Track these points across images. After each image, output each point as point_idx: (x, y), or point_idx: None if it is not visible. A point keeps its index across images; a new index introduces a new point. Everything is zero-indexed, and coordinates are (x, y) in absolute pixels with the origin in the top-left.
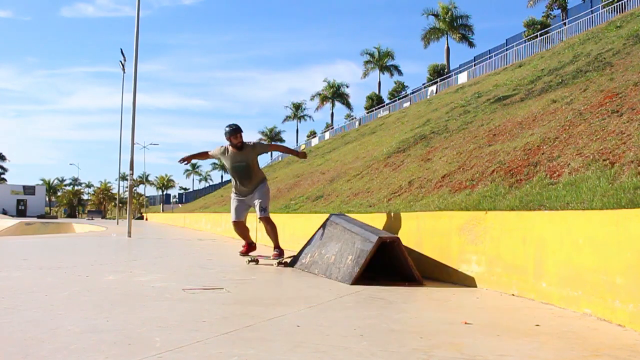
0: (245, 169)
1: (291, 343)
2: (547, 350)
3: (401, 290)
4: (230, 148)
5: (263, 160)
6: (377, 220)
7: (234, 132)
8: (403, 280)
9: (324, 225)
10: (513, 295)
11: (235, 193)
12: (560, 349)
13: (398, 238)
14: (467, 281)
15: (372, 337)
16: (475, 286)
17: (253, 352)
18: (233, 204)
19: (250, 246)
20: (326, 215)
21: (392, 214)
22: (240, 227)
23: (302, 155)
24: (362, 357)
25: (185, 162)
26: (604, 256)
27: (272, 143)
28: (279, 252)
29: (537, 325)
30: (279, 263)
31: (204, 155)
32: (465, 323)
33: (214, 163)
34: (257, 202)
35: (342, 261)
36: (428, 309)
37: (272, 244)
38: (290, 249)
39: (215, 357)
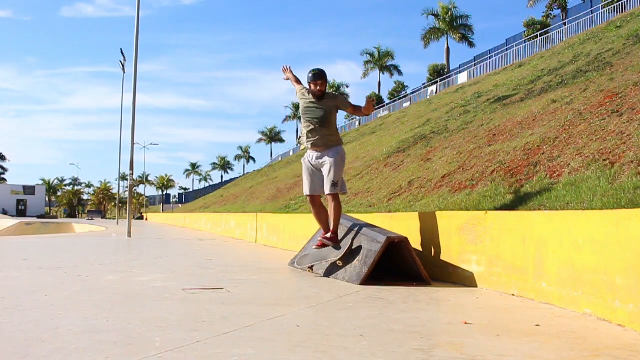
0: (320, 117)
1: (291, 343)
2: (547, 350)
3: (401, 290)
4: (309, 92)
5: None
6: (377, 220)
7: (315, 77)
8: (409, 280)
9: None
10: (513, 295)
11: (307, 146)
12: (560, 349)
13: (406, 238)
14: (467, 281)
15: (372, 337)
16: (476, 286)
17: (253, 352)
18: (306, 172)
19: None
20: None
21: (392, 214)
22: (317, 206)
23: (365, 110)
24: (362, 357)
25: (286, 75)
26: (604, 256)
27: (351, 104)
28: (331, 238)
29: (537, 325)
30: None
31: (297, 82)
32: (465, 323)
33: (214, 163)
34: (326, 174)
35: (347, 261)
36: (428, 309)
37: (271, 247)
38: (290, 249)
39: (215, 357)
